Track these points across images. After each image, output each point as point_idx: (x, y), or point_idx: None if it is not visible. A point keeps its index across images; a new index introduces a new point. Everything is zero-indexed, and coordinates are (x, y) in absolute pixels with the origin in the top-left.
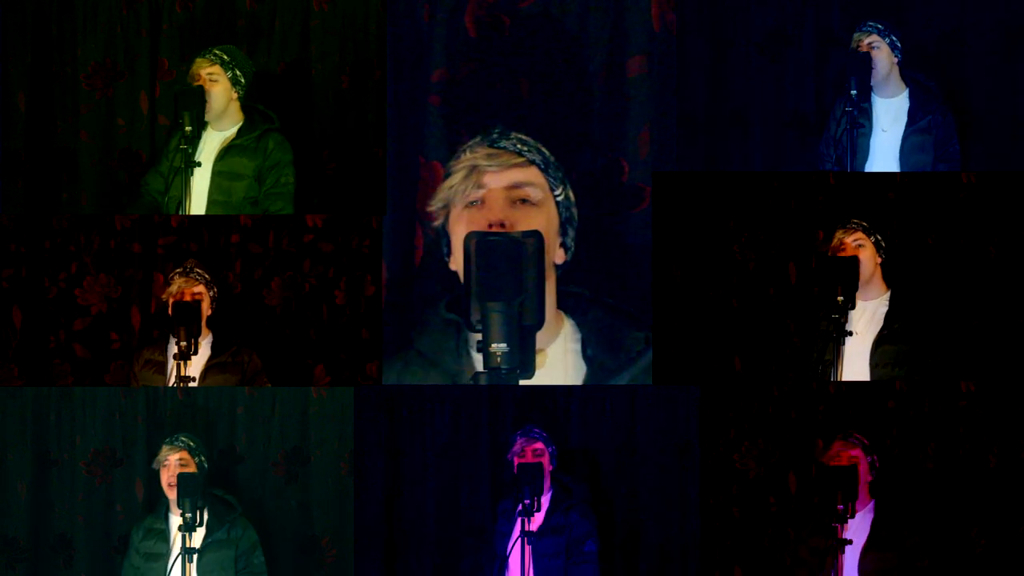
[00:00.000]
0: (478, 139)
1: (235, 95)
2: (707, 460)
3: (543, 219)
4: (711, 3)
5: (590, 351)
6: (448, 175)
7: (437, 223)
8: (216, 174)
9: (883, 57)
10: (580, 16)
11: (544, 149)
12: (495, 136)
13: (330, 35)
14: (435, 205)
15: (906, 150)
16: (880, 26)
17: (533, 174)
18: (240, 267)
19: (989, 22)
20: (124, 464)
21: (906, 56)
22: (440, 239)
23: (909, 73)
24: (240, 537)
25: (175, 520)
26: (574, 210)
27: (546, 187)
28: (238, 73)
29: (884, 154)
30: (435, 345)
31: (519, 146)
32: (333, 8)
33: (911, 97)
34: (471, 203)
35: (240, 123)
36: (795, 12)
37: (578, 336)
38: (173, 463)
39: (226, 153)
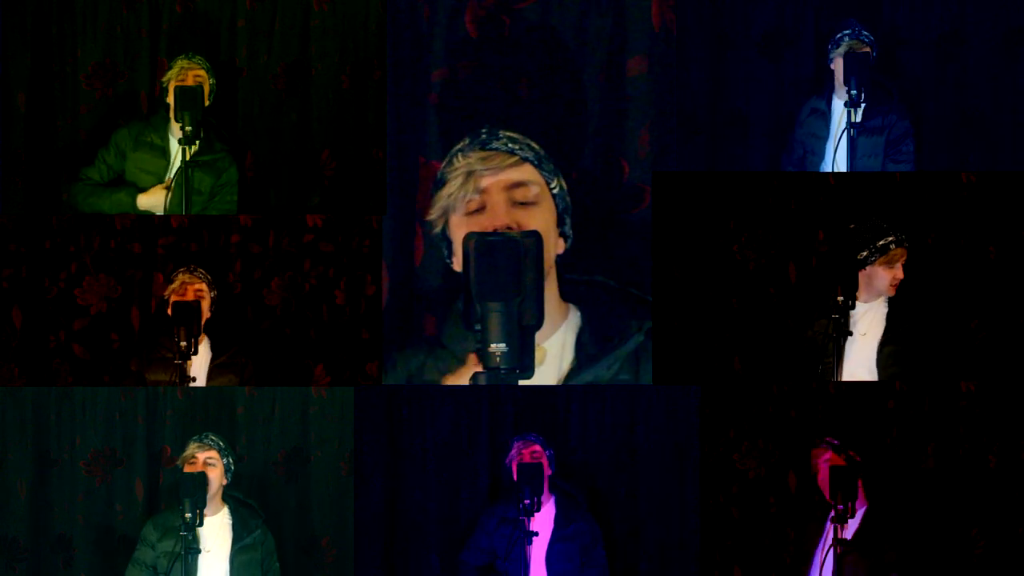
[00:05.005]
0: (467, 142)
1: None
2: (707, 460)
3: (544, 215)
4: (711, 3)
5: (584, 338)
6: (443, 182)
7: (436, 230)
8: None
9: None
10: (580, 16)
11: (534, 144)
12: (484, 137)
13: (330, 35)
14: (434, 214)
15: (856, 149)
16: (872, 38)
17: (528, 171)
18: (240, 267)
19: (989, 22)
20: (124, 464)
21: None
22: (441, 243)
23: (874, 76)
24: (264, 541)
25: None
26: (568, 199)
27: (542, 182)
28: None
29: (839, 154)
30: (450, 335)
31: (511, 145)
32: (333, 8)
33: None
34: (473, 211)
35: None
36: (795, 12)
37: (579, 324)
38: (201, 460)
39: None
